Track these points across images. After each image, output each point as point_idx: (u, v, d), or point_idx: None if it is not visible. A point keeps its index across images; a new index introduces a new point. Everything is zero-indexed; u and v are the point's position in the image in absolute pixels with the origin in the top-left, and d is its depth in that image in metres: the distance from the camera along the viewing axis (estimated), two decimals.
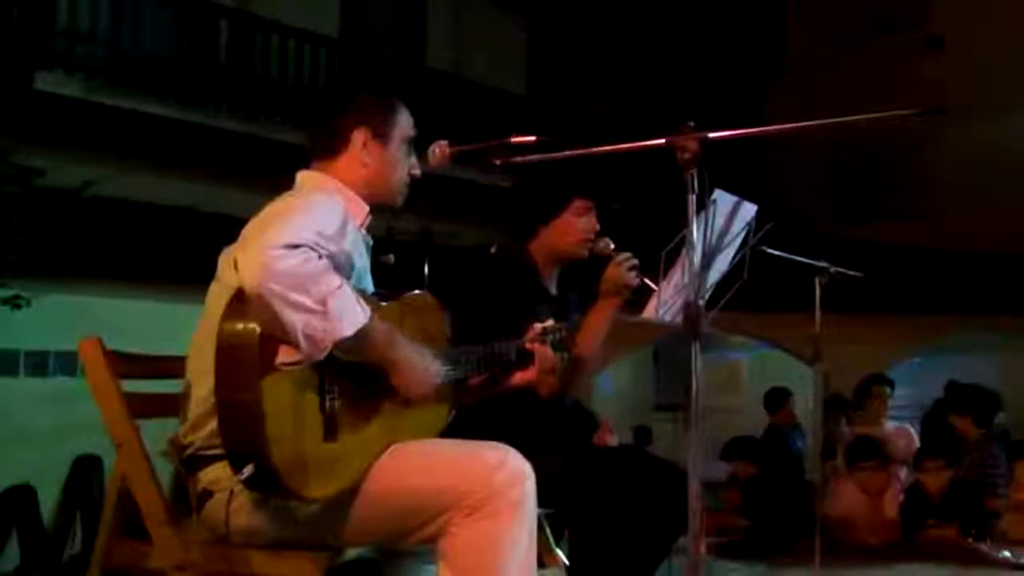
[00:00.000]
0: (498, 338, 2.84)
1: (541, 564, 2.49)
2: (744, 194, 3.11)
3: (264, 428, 2.15)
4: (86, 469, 7.62)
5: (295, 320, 2.15)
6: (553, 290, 3.59)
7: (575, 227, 3.50)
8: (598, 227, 3.53)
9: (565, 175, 3.52)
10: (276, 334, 2.17)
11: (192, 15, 9.99)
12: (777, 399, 9.20)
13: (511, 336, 2.89)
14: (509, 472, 2.30)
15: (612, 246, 3.52)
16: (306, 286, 2.15)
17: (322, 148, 2.62)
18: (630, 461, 3.50)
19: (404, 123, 2.68)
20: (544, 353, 2.84)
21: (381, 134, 2.62)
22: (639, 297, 3.41)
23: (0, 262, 6.45)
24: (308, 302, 2.15)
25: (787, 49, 15.89)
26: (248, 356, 2.18)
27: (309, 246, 2.17)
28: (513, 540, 2.28)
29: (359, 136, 2.60)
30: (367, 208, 2.60)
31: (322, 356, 2.20)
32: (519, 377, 2.84)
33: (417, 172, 2.71)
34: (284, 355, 2.19)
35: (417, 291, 2.65)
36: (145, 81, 9.21)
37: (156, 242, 8.27)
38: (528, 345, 2.83)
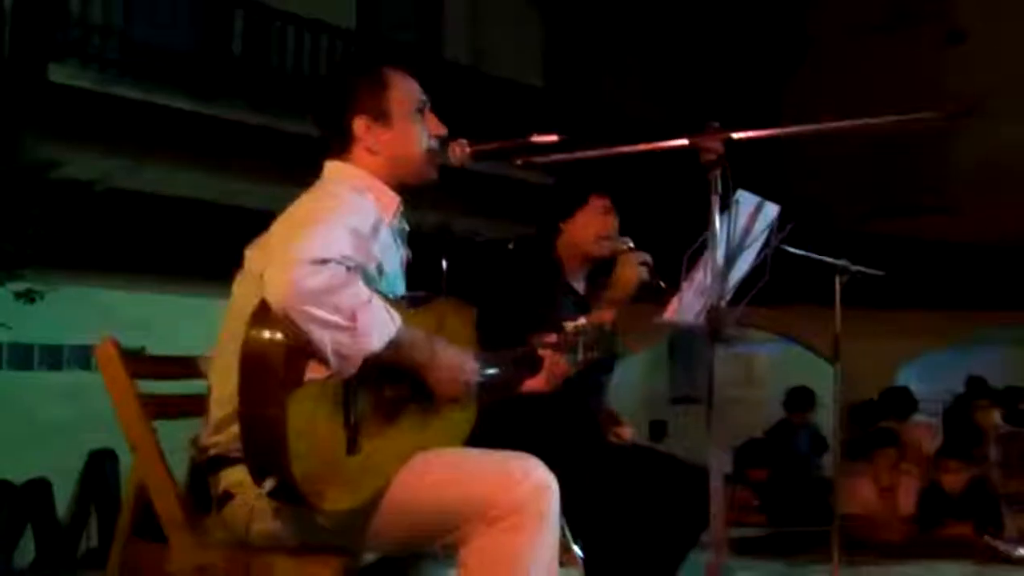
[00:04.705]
0: (518, 333, 2.80)
1: (559, 563, 2.45)
2: (761, 187, 3.08)
3: (287, 444, 2.11)
4: (101, 463, 7.62)
5: (324, 338, 2.11)
6: (580, 288, 3.59)
7: (592, 225, 3.52)
8: (616, 226, 3.54)
9: (583, 173, 3.52)
10: (305, 349, 2.13)
11: (206, 6, 9.97)
12: (800, 401, 9.06)
13: (534, 330, 2.85)
14: (533, 485, 2.26)
15: (630, 244, 3.53)
16: (335, 303, 2.11)
17: (334, 148, 2.54)
18: (648, 460, 3.49)
19: (404, 93, 2.55)
20: (555, 360, 2.78)
21: (380, 115, 2.50)
22: (660, 297, 3.39)
23: (14, 255, 6.45)
24: (337, 319, 2.11)
25: (806, 40, 15.79)
26: (274, 371, 2.14)
27: (337, 260, 2.12)
28: (535, 553, 2.24)
29: (359, 125, 2.50)
30: (398, 198, 2.52)
31: (353, 371, 2.17)
32: (528, 384, 2.79)
33: (443, 131, 2.58)
34: (313, 371, 2.15)
35: (446, 298, 2.59)
36: (159, 73, 9.20)
37: (170, 235, 8.26)
38: (540, 351, 2.77)
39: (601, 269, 3.64)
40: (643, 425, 11.19)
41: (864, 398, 8.82)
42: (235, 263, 2.47)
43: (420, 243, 2.72)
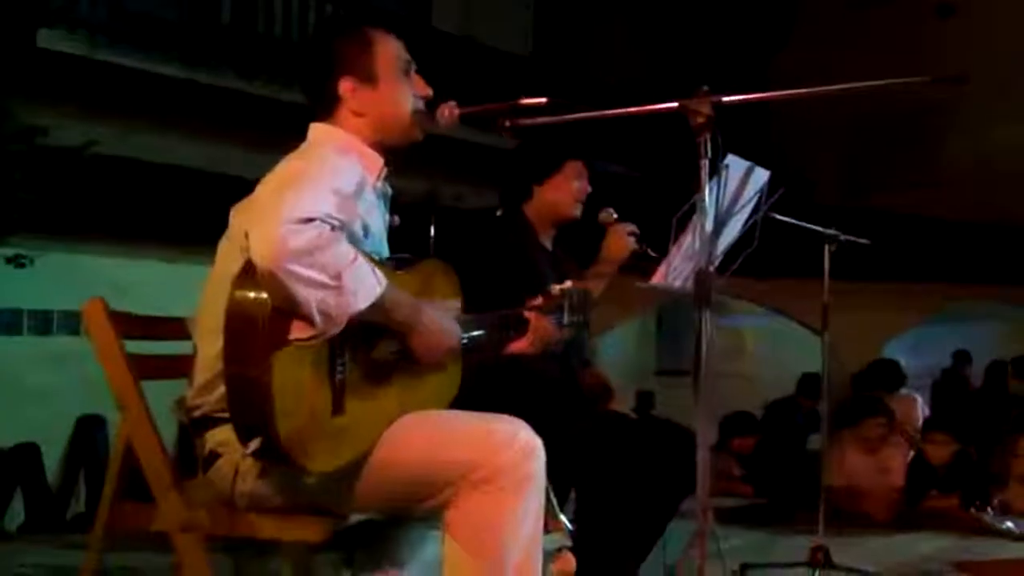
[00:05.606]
0: (508, 299, 2.81)
1: (545, 529, 2.46)
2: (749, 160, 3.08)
3: (272, 404, 2.11)
4: (90, 428, 7.64)
5: (309, 296, 2.10)
6: (549, 247, 3.66)
7: (567, 188, 3.57)
8: (588, 190, 3.60)
9: (559, 137, 3.56)
10: (289, 309, 2.13)
11: None
12: (813, 387, 9.06)
13: (522, 296, 2.87)
14: (519, 448, 2.27)
15: (615, 215, 3.58)
16: (320, 262, 2.10)
17: (319, 111, 2.53)
18: (635, 423, 3.53)
19: (389, 53, 2.53)
20: (540, 324, 2.78)
21: (366, 76, 2.49)
22: (646, 264, 3.42)
23: (2, 220, 6.42)
24: (322, 278, 2.10)
25: (796, 12, 15.75)
26: (259, 330, 2.14)
27: (322, 219, 2.11)
28: (519, 516, 2.26)
29: (345, 87, 2.48)
30: (381, 160, 2.52)
31: (337, 331, 2.16)
32: (514, 347, 2.80)
33: (429, 92, 2.57)
34: (297, 331, 2.14)
35: (432, 259, 2.61)
36: (148, 39, 9.12)
37: (158, 202, 8.24)
38: (526, 314, 2.78)
39: (567, 236, 3.69)
40: (630, 396, 11.24)
41: (855, 370, 8.85)
42: (223, 230, 2.47)
43: (407, 210, 2.71)
